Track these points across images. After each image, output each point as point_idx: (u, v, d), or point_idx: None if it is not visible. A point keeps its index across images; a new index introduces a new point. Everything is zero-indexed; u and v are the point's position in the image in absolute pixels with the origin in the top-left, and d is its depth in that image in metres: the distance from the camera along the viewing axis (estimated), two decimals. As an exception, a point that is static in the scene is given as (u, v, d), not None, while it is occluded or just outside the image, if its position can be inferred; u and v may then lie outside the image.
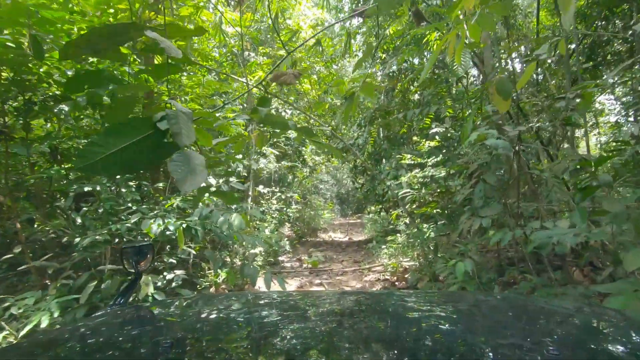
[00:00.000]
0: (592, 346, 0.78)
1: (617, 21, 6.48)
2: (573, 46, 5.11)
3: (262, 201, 9.02)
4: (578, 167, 2.67)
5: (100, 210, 2.83)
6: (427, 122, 5.10)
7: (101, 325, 1.00)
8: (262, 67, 4.39)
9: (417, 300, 1.21)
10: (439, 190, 5.43)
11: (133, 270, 1.33)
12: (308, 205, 12.75)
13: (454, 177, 5.36)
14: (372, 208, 11.83)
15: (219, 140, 1.13)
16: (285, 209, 9.53)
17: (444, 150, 5.62)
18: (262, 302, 1.22)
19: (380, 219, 11.01)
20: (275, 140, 9.76)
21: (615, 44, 6.76)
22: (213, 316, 1.05)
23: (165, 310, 1.17)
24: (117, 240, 2.80)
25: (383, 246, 7.51)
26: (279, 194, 9.24)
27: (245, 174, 7.72)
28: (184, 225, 2.64)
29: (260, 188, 8.87)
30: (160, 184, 3.48)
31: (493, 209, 2.62)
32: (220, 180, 3.63)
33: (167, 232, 2.62)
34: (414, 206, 5.84)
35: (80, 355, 0.78)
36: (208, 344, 0.80)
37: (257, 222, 7.87)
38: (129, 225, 2.67)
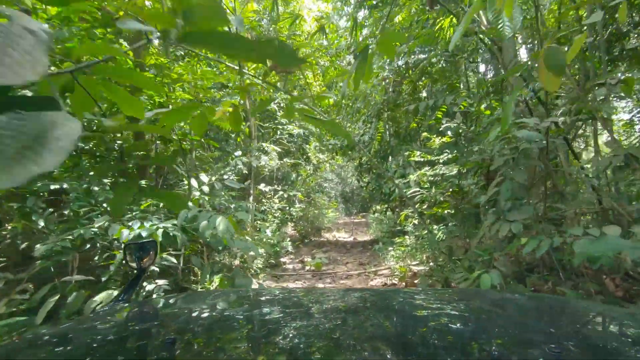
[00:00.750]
0: (602, 347, 0.75)
1: (634, 14, 6.09)
2: (589, 39, 4.72)
3: (263, 200, 8.71)
4: (622, 163, 2.29)
5: (66, 212, 2.50)
6: (438, 116, 4.73)
7: (104, 322, 1.00)
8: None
9: (426, 298, 1.18)
10: (450, 190, 5.05)
11: (135, 267, 1.35)
12: (312, 204, 12.40)
13: (467, 176, 4.99)
14: (378, 207, 11.48)
15: (160, 110, 0.74)
16: (288, 207, 9.20)
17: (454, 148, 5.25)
18: (264, 298, 1.22)
19: (386, 219, 10.66)
20: (277, 137, 9.43)
21: (631, 39, 6.37)
22: (216, 312, 1.05)
23: (168, 307, 1.16)
24: (88, 246, 2.46)
25: (390, 248, 7.15)
26: (281, 192, 8.92)
27: (246, 172, 7.41)
28: (161, 231, 2.29)
29: (262, 186, 8.55)
30: (143, 182, 3.13)
31: (523, 211, 2.25)
32: (213, 178, 3.29)
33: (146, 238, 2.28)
34: (424, 206, 5.46)
35: (83, 351, 0.77)
36: (211, 340, 0.79)
37: (259, 221, 7.56)
38: (95, 229, 2.32)
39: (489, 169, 4.77)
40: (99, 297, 1.98)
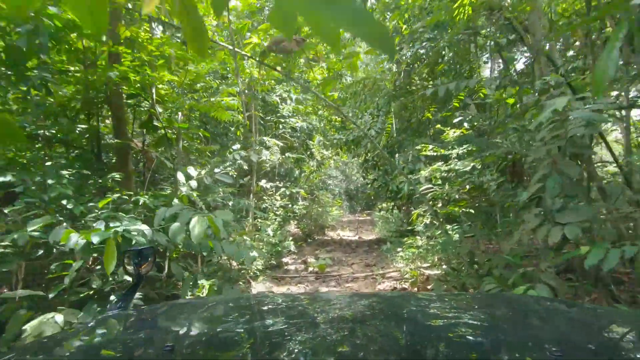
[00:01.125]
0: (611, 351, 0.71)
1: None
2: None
3: (265, 197, 8.30)
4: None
5: (6, 210, 2.06)
6: (456, 104, 4.28)
7: (101, 330, 0.97)
8: (258, 32, 3.58)
9: (442, 305, 1.09)
10: (468, 187, 4.60)
11: (133, 274, 1.31)
12: (315, 201, 11.97)
13: (485, 171, 4.54)
14: (384, 205, 11.04)
15: None
16: (290, 205, 8.78)
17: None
18: (266, 306, 1.16)
19: (393, 217, 10.22)
20: (279, 131, 9.00)
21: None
22: (216, 320, 1.00)
23: (166, 315, 1.10)
24: (41, 252, 2.02)
25: (398, 249, 6.71)
26: (283, 189, 8.49)
27: (247, 167, 6.99)
28: (120, 235, 1.83)
29: (263, 183, 8.12)
30: (117, 175, 2.67)
31: (579, 212, 1.79)
32: (203, 172, 2.85)
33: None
34: (439, 205, 5.01)
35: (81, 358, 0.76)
36: (209, 348, 0.77)
37: (259, 220, 7.16)
38: (38, 233, 1.86)
39: (514, 162, 4.32)
40: (29, 326, 1.53)
